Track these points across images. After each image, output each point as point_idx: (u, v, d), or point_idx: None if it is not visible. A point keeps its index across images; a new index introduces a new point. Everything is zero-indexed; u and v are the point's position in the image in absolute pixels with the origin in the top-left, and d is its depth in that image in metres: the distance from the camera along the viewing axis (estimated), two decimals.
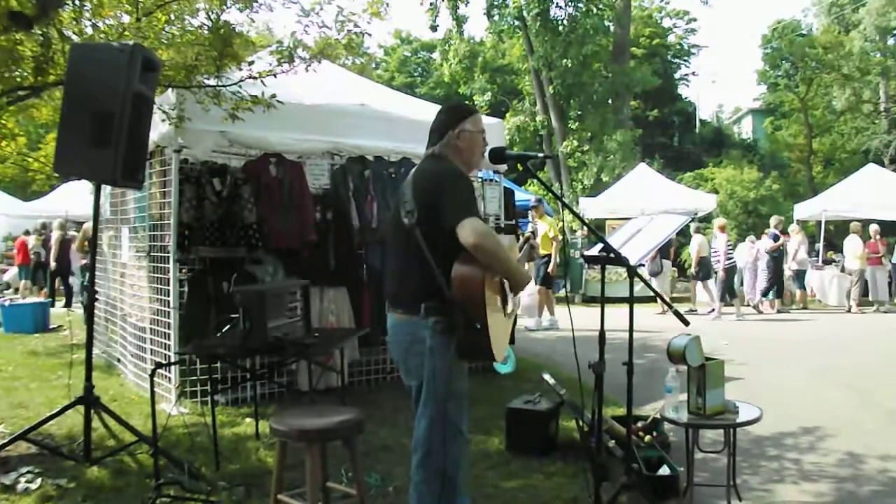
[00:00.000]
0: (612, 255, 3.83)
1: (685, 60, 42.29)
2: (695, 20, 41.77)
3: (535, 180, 4.13)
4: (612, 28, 29.76)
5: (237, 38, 6.93)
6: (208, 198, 7.21)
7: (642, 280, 3.88)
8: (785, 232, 17.92)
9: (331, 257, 7.79)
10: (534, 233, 12.70)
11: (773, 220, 17.95)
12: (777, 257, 17.02)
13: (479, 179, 9.19)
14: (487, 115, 11.71)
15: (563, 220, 16.12)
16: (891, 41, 36.92)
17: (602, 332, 3.91)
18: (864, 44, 35.31)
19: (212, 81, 6.63)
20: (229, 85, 6.62)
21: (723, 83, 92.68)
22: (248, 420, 6.44)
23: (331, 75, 8.59)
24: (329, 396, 7.11)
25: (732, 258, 16.02)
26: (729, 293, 15.84)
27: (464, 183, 3.57)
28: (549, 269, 12.78)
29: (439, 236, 3.38)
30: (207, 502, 4.53)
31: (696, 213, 20.48)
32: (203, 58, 6.60)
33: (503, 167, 8.61)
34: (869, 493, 5.04)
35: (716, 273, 15.81)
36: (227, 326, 5.33)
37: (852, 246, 17.29)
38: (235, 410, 6.87)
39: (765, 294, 17.09)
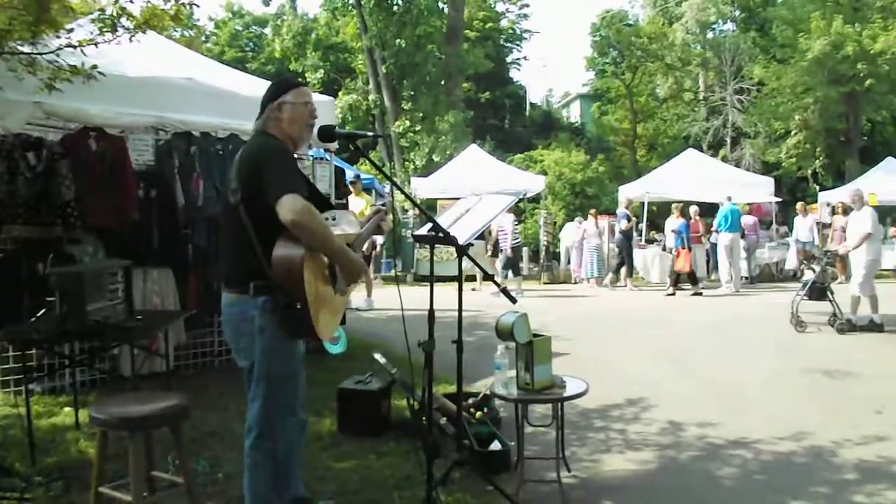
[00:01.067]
0: (441, 234, 3.84)
1: (517, 45, 43.16)
2: (527, 6, 42.56)
3: (366, 160, 4.09)
4: (445, 10, 29.96)
5: (55, 3, 6.49)
6: (22, 173, 6.77)
7: (471, 259, 3.91)
8: (612, 213, 18.55)
9: (154, 236, 7.48)
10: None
11: (623, 202, 18.58)
12: (630, 237, 17.67)
13: (310, 158, 9.03)
14: (320, 92, 11.51)
15: (393, 200, 16.10)
16: (710, 35, 38.93)
17: (431, 311, 3.91)
18: (686, 36, 37.09)
19: (26, 49, 6.22)
20: (46, 53, 6.22)
21: (553, 68, 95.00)
22: (66, 409, 6.12)
23: (157, 47, 8.20)
24: (154, 382, 6.82)
25: (518, 237, 16.35)
26: (513, 270, 16.23)
27: (285, 158, 3.50)
28: (364, 248, 12.61)
29: (263, 214, 3.30)
30: (22, 500, 4.25)
31: (525, 194, 21.00)
32: (17, 23, 6.16)
33: (334, 145, 8.49)
34: (689, 459, 5.33)
35: (502, 251, 16.21)
36: (43, 310, 5.04)
37: (673, 226, 18.10)
38: (53, 400, 6.52)
39: (616, 271, 17.74)
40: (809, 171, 32.86)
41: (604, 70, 39.77)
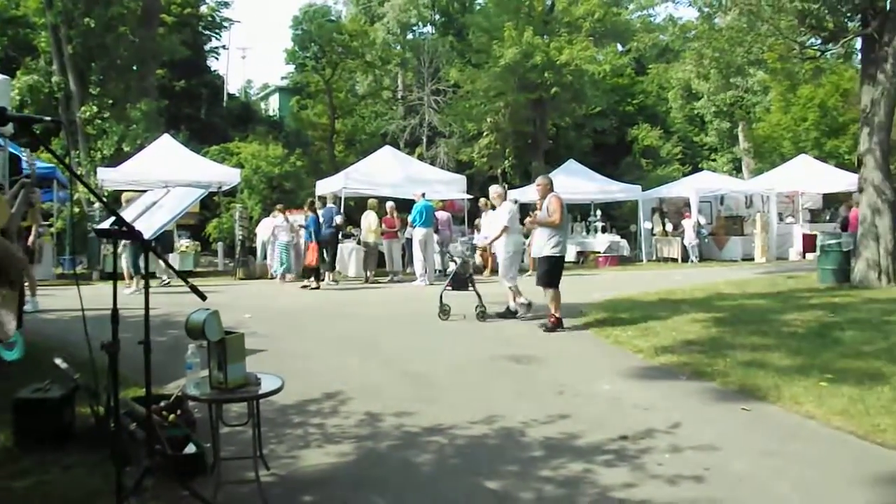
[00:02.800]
0: (124, 228, 3.60)
1: (216, 33, 42.04)
2: None
3: (44, 147, 3.77)
4: None
5: None
6: None
7: (156, 254, 3.71)
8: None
9: None
10: (28, 176, 11.51)
11: (329, 197, 18.58)
12: (338, 233, 17.74)
13: None
14: None
15: (72, 192, 15.16)
16: (410, 36, 40.18)
17: (115, 310, 3.67)
18: (387, 36, 38.04)
19: None
20: None
21: (253, 59, 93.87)
22: None
23: None
24: None
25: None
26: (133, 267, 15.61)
27: None
28: (30, 243, 11.56)
29: None
30: None
31: (220, 187, 20.56)
32: None
33: (8, 129, 7.79)
34: (387, 448, 5.43)
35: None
36: None
37: (368, 221, 18.47)
38: None
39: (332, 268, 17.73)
40: (499, 171, 34.88)
41: (304, 64, 39.72)
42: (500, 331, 10.57)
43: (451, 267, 12.03)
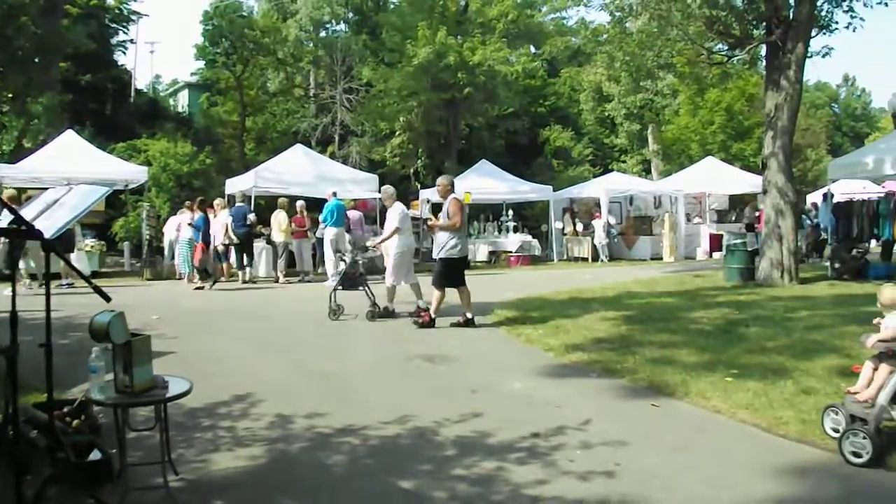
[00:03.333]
0: (23, 227, 3.45)
1: (124, 26, 41.01)
2: None
3: None
4: None
5: None
6: None
7: (59, 255, 3.58)
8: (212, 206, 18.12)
9: None
10: None
11: (238, 196, 18.32)
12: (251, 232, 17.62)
13: None
14: None
15: None
16: (323, 33, 39.98)
17: (14, 312, 3.52)
18: (300, 33, 37.77)
19: None
20: None
21: (162, 54, 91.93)
22: None
23: None
24: None
25: None
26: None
27: None
28: None
29: None
30: None
31: (126, 185, 20.09)
32: None
33: None
34: (299, 450, 5.37)
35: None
36: None
37: (278, 220, 18.27)
38: None
39: (242, 266, 17.56)
40: (412, 170, 34.96)
41: (214, 60, 39.17)
42: (412, 331, 10.55)
43: (341, 266, 12.01)
